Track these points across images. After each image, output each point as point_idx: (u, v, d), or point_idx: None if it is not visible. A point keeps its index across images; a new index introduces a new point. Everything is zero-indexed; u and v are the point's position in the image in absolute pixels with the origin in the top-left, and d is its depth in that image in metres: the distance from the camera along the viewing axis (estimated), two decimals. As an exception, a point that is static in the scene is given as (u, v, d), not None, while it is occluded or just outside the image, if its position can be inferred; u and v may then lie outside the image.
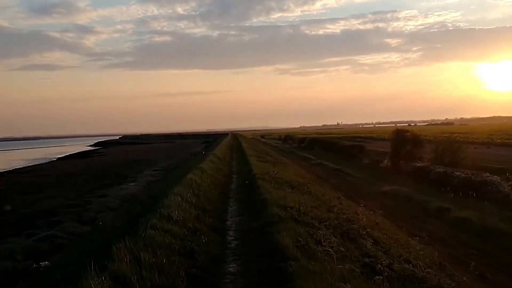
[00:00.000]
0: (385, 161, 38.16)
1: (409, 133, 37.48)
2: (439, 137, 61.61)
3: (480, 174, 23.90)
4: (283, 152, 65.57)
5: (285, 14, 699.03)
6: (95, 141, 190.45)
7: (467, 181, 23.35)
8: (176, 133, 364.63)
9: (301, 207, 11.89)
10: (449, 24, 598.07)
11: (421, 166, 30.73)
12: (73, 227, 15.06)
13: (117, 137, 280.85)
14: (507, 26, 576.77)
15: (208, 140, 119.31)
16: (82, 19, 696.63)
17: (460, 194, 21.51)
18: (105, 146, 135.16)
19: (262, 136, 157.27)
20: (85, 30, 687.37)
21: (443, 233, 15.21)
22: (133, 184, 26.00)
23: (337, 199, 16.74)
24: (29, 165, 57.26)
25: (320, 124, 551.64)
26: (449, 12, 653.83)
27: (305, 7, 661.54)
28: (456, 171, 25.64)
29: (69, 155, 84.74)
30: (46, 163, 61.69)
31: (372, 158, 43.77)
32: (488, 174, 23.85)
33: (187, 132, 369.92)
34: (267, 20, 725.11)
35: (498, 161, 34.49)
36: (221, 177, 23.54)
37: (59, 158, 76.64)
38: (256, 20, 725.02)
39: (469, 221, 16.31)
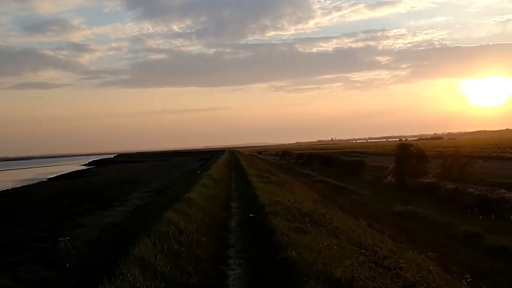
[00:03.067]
0: (389, 177, 36.43)
1: (414, 148, 35.76)
2: (444, 151, 60.64)
3: (495, 191, 21.97)
4: (282, 168, 63.78)
5: (280, 33, 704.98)
6: (90, 160, 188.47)
7: (483, 199, 21.39)
8: (173, 150, 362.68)
9: (354, 278, 7.16)
10: (436, 42, 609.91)
11: (429, 182, 28.86)
12: (31, 272, 12.30)
13: (113, 156, 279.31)
14: (491, 44, 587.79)
15: (204, 158, 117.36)
16: (76, 37, 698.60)
17: (489, 215, 19.33)
18: (99, 165, 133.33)
19: (259, 152, 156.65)
20: (80, 48, 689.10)
21: (485, 267, 12.91)
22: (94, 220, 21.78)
23: (364, 232, 13.48)
24: (16, 186, 55.25)
25: (315, 140, 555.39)
26: (436, 30, 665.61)
27: (299, 26, 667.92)
28: (469, 188, 23.75)
29: (60, 175, 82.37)
30: (32, 184, 59.24)
31: (373, 173, 42.25)
32: (503, 190, 22.02)
33: (183, 150, 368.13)
34: (262, 38, 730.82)
35: (502, 175, 32.83)
36: (216, 209, 17.48)
37: (49, 178, 74.42)
38: (251, 38, 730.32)
39: (509, 251, 14.01)
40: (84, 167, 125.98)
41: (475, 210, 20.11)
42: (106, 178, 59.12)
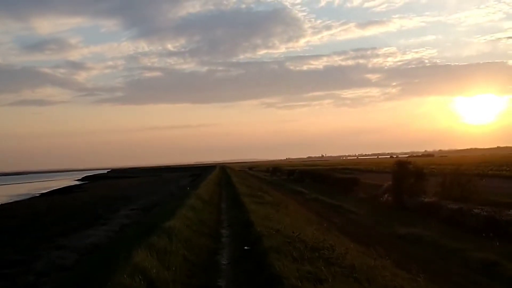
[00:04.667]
0: (386, 195, 35.26)
1: (412, 165, 34.61)
2: (438, 169, 59.58)
3: (503, 212, 20.56)
4: (273, 185, 62.34)
5: (271, 51, 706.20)
6: (84, 176, 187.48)
7: (491, 221, 19.99)
8: (165, 166, 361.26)
9: None
10: (426, 61, 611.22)
11: (429, 202, 27.60)
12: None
13: (106, 171, 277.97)
14: (481, 62, 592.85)
15: (196, 173, 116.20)
16: (73, 55, 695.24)
17: (505, 240, 17.59)
18: (92, 181, 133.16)
19: (250, 168, 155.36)
20: (77, 66, 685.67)
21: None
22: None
23: (380, 265, 10.76)
24: (7, 202, 53.97)
25: (305, 156, 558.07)
26: (426, 49, 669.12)
27: (290, 44, 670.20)
28: (474, 208, 22.48)
29: (52, 191, 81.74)
30: (22, 200, 57.99)
31: (368, 191, 41.08)
32: (512, 211, 20.76)
33: (175, 165, 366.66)
34: (253, 57, 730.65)
35: (503, 194, 31.68)
36: (203, 240, 14.51)
37: (41, 194, 73.61)
38: (243, 57, 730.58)
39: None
40: (77, 182, 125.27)
41: (490, 234, 18.57)
42: (96, 194, 58.04)
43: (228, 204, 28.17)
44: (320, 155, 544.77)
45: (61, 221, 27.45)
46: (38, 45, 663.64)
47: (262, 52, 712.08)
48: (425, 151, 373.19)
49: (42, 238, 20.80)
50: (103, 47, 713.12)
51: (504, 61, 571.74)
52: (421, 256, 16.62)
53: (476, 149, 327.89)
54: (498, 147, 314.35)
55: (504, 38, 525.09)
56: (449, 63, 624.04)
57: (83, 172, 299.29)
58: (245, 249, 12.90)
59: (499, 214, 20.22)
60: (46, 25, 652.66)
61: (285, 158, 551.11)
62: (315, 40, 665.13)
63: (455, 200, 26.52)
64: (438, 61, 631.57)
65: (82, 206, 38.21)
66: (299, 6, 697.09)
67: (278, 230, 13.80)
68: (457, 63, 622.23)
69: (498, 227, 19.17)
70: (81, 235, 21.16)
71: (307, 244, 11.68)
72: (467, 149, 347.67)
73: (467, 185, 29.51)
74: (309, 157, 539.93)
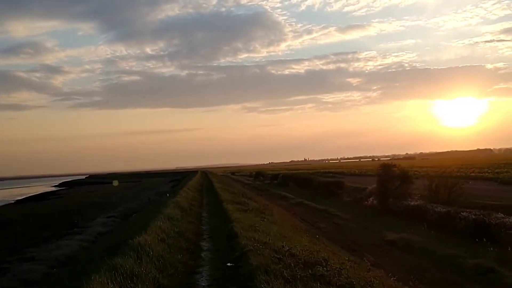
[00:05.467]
0: (370, 199, 34.70)
1: (397, 168, 34.05)
2: (421, 172, 59.44)
3: (492, 215, 20.09)
4: (257, 190, 61.66)
5: (252, 55, 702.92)
6: (61, 181, 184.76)
7: (480, 224, 19.47)
8: (145, 171, 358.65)
9: None
10: (406, 64, 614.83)
11: (415, 205, 27.06)
12: None
13: (84, 177, 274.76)
14: (460, 66, 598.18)
15: (176, 179, 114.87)
16: (50, 59, 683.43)
17: (500, 245, 16.95)
18: (69, 187, 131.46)
19: (233, 173, 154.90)
20: (53, 70, 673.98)
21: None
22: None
23: (379, 281, 9.42)
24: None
25: (288, 160, 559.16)
26: (406, 53, 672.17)
27: (271, 48, 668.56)
28: (462, 211, 21.92)
29: (27, 197, 79.59)
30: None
31: (352, 195, 40.61)
32: (501, 214, 20.22)
33: (156, 170, 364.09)
34: (234, 60, 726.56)
35: (488, 196, 31.52)
36: (180, 257, 12.51)
37: (16, 201, 71.62)
38: (224, 60, 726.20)
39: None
40: (53, 189, 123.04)
41: (484, 239, 17.84)
42: (72, 201, 56.54)
43: (210, 212, 26.43)
44: (303, 159, 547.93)
45: (34, 230, 26.22)
46: (13, 48, 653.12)
47: (243, 56, 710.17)
48: (407, 154, 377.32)
49: (11, 249, 19.65)
50: (80, 51, 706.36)
51: (483, 64, 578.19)
52: (414, 264, 15.93)
53: (456, 151, 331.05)
54: (478, 149, 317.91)
55: (482, 42, 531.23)
56: (428, 67, 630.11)
57: (60, 178, 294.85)
58: (228, 266, 11.47)
59: (489, 218, 19.74)
60: (21, 29, 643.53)
61: (268, 163, 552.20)
62: (296, 44, 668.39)
63: (441, 203, 26.07)
64: (417, 65, 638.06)
65: (58, 213, 36.84)
66: (280, 10, 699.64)
67: (265, 242, 12.39)
68: (436, 67, 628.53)
69: (489, 231, 18.62)
70: (53, 245, 19.86)
71: (298, 259, 10.40)
72: (448, 151, 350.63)
73: (454, 188, 28.96)
74: (292, 161, 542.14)
